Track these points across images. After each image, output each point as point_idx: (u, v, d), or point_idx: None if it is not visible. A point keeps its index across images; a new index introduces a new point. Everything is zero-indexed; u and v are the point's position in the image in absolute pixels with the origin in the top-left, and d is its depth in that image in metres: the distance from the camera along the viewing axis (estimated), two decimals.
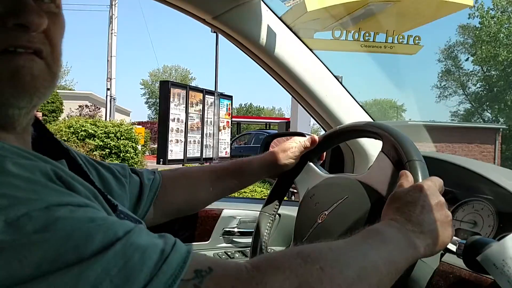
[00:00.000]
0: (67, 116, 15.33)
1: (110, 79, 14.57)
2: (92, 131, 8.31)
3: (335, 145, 1.11)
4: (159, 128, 9.60)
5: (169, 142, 9.04)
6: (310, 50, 1.11)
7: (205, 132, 10.23)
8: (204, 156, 10.10)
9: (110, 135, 8.54)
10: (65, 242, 0.36)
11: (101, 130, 8.44)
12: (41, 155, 0.46)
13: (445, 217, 0.59)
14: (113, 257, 0.36)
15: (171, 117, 9.17)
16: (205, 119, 10.23)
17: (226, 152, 11.25)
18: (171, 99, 9.17)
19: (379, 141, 0.77)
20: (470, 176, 0.88)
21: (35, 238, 0.35)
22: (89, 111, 17.28)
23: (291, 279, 0.41)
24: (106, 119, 14.38)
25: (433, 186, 0.61)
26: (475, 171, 0.88)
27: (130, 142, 8.89)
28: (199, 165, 8.86)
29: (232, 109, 11.26)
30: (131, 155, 8.90)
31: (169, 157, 9.03)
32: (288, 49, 1.09)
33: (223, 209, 1.28)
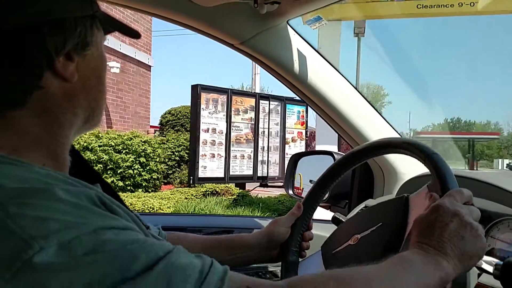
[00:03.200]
0: None
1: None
2: (86, 144, 7.44)
3: (370, 158, 1.11)
4: (190, 141, 8.07)
5: (200, 157, 7.63)
6: (337, 70, 1.15)
7: (260, 145, 8.39)
8: (259, 174, 8.32)
9: (106, 148, 7.55)
10: (112, 263, 0.39)
11: (99, 142, 7.58)
12: (82, 181, 0.52)
13: (470, 230, 0.59)
14: (156, 277, 0.40)
15: (202, 127, 7.69)
16: (260, 130, 8.39)
17: None
18: (203, 106, 7.70)
19: (409, 160, 0.78)
20: (504, 194, 0.88)
21: (85, 260, 0.39)
22: None
23: None
24: None
25: (452, 201, 0.61)
26: (508, 189, 0.88)
27: (133, 157, 7.69)
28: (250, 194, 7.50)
29: (307, 117, 8.98)
30: (138, 171, 7.69)
31: (200, 175, 7.68)
32: (316, 70, 1.15)
33: (253, 229, 1.30)
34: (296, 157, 1.52)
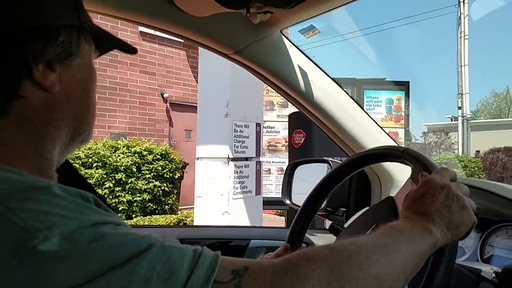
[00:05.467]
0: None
1: (462, 94, 11.46)
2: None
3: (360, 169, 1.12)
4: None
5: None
6: (333, 80, 1.14)
7: None
8: None
9: (72, 161, 4.25)
10: (116, 247, 0.41)
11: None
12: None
13: (457, 200, 0.63)
14: (156, 253, 0.42)
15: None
16: None
17: None
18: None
19: (406, 167, 0.78)
20: (501, 202, 0.88)
21: (89, 247, 0.40)
22: (436, 137, 13.44)
23: (323, 267, 0.46)
24: (458, 146, 11.48)
25: (440, 176, 0.66)
26: (506, 196, 0.88)
27: (103, 172, 5.97)
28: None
29: (407, 109, 6.19)
30: (110, 190, 5.95)
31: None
32: (311, 80, 1.17)
33: (250, 239, 1.29)
34: (293, 166, 1.54)
